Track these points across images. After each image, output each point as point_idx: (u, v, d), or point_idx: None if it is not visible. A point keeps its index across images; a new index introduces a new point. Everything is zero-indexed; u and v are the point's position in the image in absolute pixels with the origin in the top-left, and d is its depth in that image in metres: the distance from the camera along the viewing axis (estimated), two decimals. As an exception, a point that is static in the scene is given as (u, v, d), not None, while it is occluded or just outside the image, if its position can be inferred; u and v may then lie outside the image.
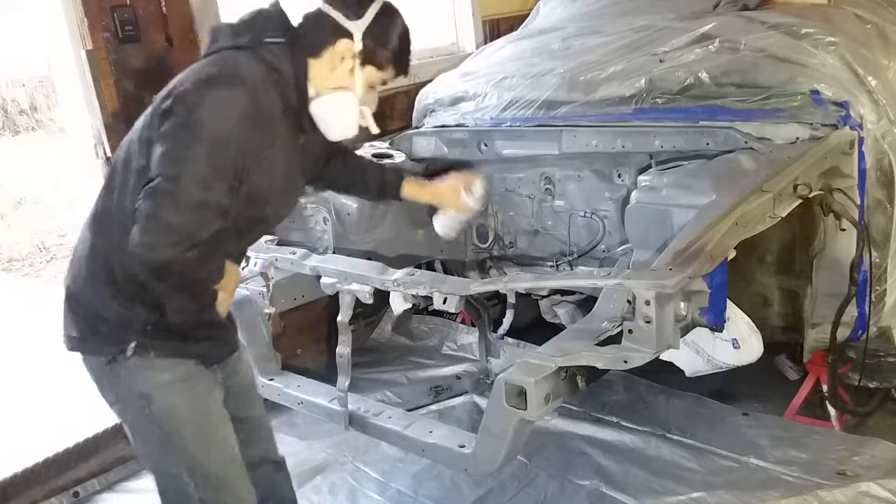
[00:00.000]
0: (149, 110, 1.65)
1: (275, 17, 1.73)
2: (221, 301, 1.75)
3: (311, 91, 1.73)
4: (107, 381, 1.73)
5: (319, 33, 1.71)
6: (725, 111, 2.45)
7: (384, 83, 1.80)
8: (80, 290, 1.71)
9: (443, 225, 2.24)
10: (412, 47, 1.80)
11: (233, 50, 1.66)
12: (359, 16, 1.70)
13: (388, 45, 1.74)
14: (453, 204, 2.18)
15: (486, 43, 3.75)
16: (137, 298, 1.65)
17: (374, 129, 1.85)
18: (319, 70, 1.72)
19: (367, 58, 1.72)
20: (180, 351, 1.71)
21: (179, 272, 1.58)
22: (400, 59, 1.78)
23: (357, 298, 2.15)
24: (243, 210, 1.65)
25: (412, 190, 2.19)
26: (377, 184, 2.18)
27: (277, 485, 2.07)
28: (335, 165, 2.09)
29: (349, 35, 1.70)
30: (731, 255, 1.85)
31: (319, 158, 1.97)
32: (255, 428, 2.00)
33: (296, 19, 1.74)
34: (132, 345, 1.66)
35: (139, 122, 1.67)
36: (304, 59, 1.71)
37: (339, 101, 1.74)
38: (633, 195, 2.20)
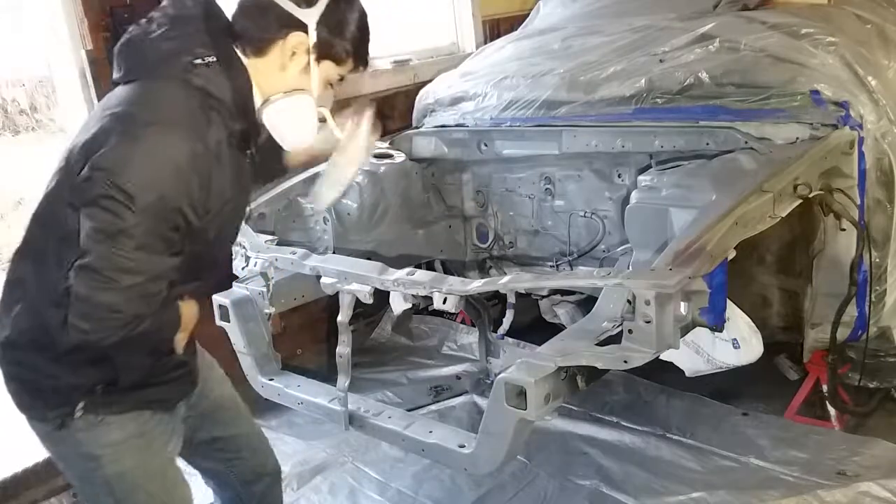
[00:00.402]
0: (63, 164, 1.42)
1: (199, 19, 1.45)
2: (180, 340, 1.58)
3: (258, 98, 1.49)
4: (51, 444, 1.57)
5: (264, 27, 1.45)
6: (725, 111, 2.45)
7: (342, 79, 1.57)
8: (13, 354, 1.50)
9: (330, 179, 1.82)
10: (370, 34, 1.57)
11: (155, 81, 1.40)
12: (311, 3, 1.45)
13: (347, 34, 1.50)
14: (347, 141, 1.79)
15: (486, 43, 3.75)
16: (84, 362, 1.45)
17: (339, 133, 1.68)
18: (267, 71, 1.48)
19: (323, 51, 1.48)
20: (135, 402, 1.53)
21: (132, 344, 1.41)
22: (360, 49, 1.54)
23: (357, 298, 2.15)
24: (194, 257, 1.45)
25: None
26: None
27: (274, 499, 1.98)
28: None
29: (301, 26, 1.45)
30: (731, 255, 1.85)
31: (268, 162, 1.74)
32: (246, 444, 1.88)
33: (229, 10, 1.48)
34: (80, 406, 1.47)
35: (55, 180, 1.44)
36: (245, 75, 1.46)
37: (296, 107, 1.51)
38: (633, 195, 2.20)
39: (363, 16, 1.54)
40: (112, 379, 1.48)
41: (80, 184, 1.34)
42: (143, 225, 1.32)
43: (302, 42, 1.47)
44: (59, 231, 1.40)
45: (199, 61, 1.41)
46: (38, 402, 1.51)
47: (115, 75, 1.47)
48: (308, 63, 1.49)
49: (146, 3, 2.67)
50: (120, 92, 1.43)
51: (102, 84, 2.65)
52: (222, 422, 1.82)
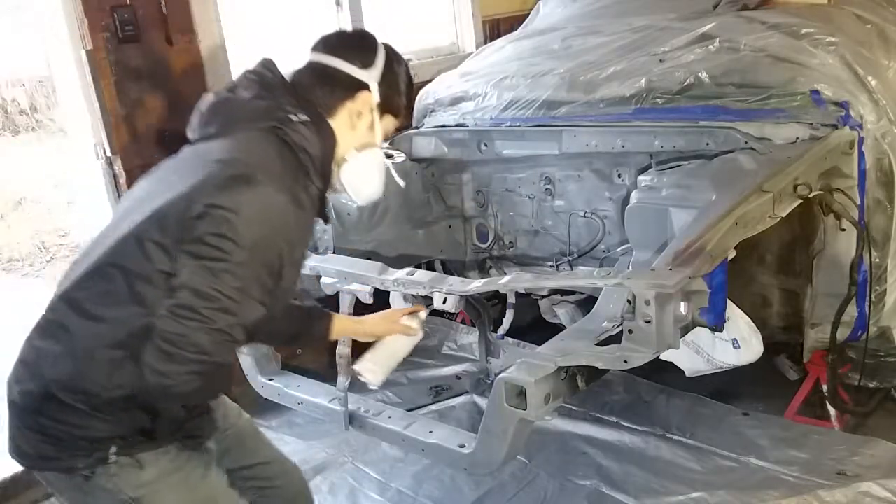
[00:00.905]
0: (147, 213, 1.38)
1: (282, 86, 1.54)
2: None
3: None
4: (80, 494, 1.47)
5: (331, 91, 1.55)
6: (725, 111, 2.45)
7: (396, 129, 1.71)
8: (40, 406, 1.40)
9: (376, 363, 1.90)
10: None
11: (257, 132, 1.47)
12: (368, 65, 1.57)
13: (402, 89, 1.64)
14: (395, 329, 1.93)
15: (486, 43, 3.75)
16: (124, 412, 1.40)
17: (401, 181, 1.79)
18: (339, 131, 1.56)
19: (385, 107, 1.61)
20: (164, 439, 1.48)
21: (194, 395, 1.41)
22: (410, 101, 1.71)
23: (357, 298, 2.15)
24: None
25: (344, 326, 1.93)
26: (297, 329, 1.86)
27: None
28: None
29: (366, 87, 1.56)
30: (731, 255, 1.86)
31: None
32: (280, 471, 1.83)
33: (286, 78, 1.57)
34: (113, 450, 1.41)
35: (140, 220, 1.39)
36: (333, 135, 1.54)
37: (371, 162, 1.63)
38: (633, 195, 2.20)
39: (408, 68, 1.67)
40: (145, 427, 1.44)
41: (188, 222, 1.34)
42: (247, 265, 1.34)
43: (367, 101, 1.57)
44: (141, 272, 1.36)
45: (293, 117, 1.48)
46: (63, 453, 1.42)
47: (203, 131, 1.52)
48: (373, 120, 1.60)
49: (146, 3, 2.72)
50: (218, 143, 1.47)
51: (102, 84, 2.65)
52: (250, 449, 1.80)
